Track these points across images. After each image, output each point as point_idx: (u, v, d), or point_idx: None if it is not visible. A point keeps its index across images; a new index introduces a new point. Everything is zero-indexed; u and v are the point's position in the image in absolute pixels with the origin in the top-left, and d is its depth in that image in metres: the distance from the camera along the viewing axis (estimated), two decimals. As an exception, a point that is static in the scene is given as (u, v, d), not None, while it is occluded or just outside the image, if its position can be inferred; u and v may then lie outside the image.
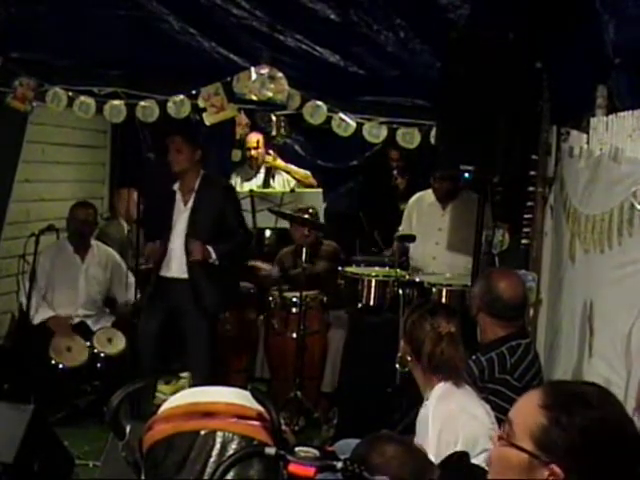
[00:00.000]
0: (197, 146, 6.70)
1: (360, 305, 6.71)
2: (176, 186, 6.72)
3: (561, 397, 2.17)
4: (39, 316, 7.17)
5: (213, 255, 6.54)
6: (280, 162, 8.46)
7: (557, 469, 2.07)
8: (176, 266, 6.65)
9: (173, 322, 6.65)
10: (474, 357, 4.37)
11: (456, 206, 7.03)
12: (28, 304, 6.98)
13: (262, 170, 8.46)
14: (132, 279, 7.28)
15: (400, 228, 7.36)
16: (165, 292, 6.72)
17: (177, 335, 6.74)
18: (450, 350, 3.83)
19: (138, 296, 7.05)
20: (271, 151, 8.54)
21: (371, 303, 6.64)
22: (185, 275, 6.61)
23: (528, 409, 2.18)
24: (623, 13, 3.59)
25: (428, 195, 7.26)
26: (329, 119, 6.61)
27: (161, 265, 6.71)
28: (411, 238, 6.95)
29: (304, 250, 6.97)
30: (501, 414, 3.76)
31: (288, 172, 8.57)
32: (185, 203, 6.67)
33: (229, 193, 6.91)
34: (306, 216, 7.32)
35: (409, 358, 3.93)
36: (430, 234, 7.07)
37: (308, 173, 8.66)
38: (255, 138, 8.48)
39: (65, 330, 7.14)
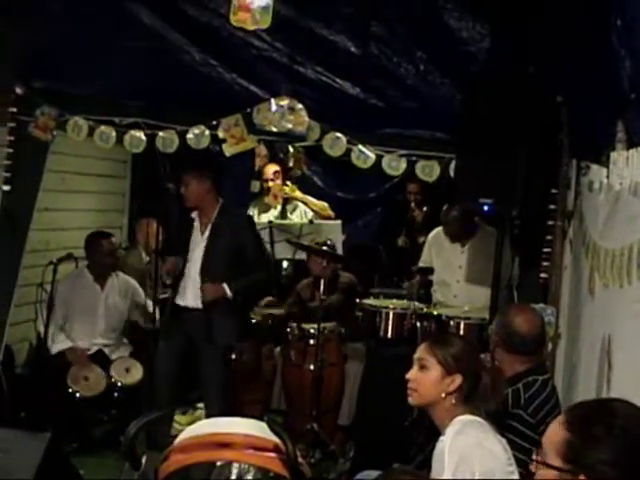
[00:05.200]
0: (205, 177, 6.54)
1: (378, 337, 6.69)
2: (194, 214, 6.68)
3: (581, 412, 2.25)
4: (57, 346, 7.20)
5: (228, 292, 6.48)
6: (298, 193, 8.42)
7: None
8: (191, 295, 6.59)
9: (189, 351, 6.62)
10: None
11: (475, 243, 6.98)
12: (45, 333, 7.01)
13: (279, 201, 8.42)
14: (151, 308, 7.27)
15: (421, 260, 7.32)
16: (180, 321, 6.66)
17: (194, 365, 6.71)
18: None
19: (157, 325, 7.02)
20: (289, 182, 8.50)
21: (389, 335, 6.62)
22: (199, 305, 6.55)
23: (554, 430, 2.25)
24: (639, 48, 3.57)
25: None
26: (348, 151, 6.62)
27: (177, 292, 6.70)
28: (430, 271, 6.93)
29: (322, 282, 6.94)
30: (514, 450, 3.73)
31: (305, 203, 8.52)
32: (202, 233, 6.60)
33: (248, 225, 6.82)
34: (325, 248, 7.28)
35: (446, 389, 3.82)
36: (451, 271, 7.05)
37: (325, 205, 8.59)
38: (272, 169, 8.46)
39: (82, 362, 7.16)
